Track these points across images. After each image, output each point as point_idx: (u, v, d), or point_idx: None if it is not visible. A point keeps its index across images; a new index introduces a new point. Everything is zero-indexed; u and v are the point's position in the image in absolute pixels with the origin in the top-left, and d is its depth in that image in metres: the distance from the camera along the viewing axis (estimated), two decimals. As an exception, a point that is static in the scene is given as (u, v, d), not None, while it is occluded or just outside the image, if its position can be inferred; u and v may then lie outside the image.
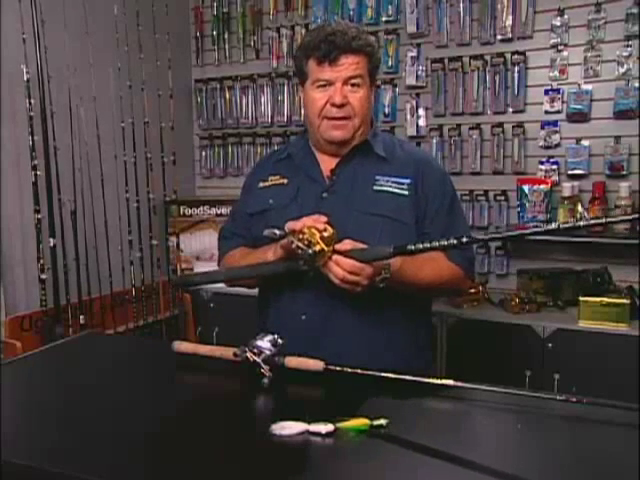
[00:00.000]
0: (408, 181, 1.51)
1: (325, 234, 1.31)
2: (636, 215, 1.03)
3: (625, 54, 2.57)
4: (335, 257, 1.32)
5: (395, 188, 1.50)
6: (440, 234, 1.51)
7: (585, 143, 2.69)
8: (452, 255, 1.52)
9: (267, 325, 1.48)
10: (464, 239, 1.25)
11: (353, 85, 1.45)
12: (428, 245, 1.26)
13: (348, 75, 1.44)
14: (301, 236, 1.31)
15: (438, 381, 1.15)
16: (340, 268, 1.31)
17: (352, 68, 1.44)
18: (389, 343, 1.47)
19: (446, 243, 1.25)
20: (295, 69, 1.58)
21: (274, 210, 1.55)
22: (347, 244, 1.33)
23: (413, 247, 1.28)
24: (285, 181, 1.58)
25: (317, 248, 1.29)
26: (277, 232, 1.36)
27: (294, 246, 1.30)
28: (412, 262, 1.39)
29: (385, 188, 1.50)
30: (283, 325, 1.42)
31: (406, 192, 1.50)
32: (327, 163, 1.56)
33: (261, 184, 1.61)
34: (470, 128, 2.89)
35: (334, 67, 1.44)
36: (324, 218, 1.35)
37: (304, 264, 1.33)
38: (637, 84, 2.55)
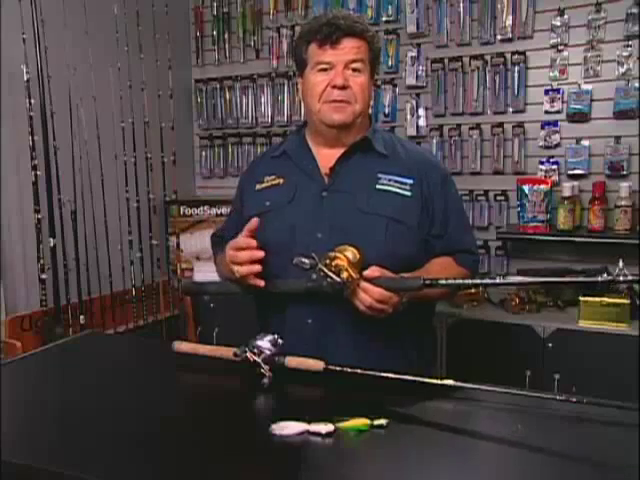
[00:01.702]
0: (411, 182, 1.48)
1: (352, 259, 1.28)
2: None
3: (625, 54, 2.57)
4: (363, 285, 1.29)
5: (398, 188, 1.47)
6: (455, 236, 1.52)
7: (585, 143, 2.69)
8: (461, 259, 1.53)
9: (270, 329, 1.46)
10: (500, 279, 1.27)
11: (355, 70, 1.44)
12: (460, 281, 1.31)
13: (350, 58, 1.43)
14: (328, 261, 1.28)
15: (438, 381, 1.15)
16: (368, 296, 1.29)
17: (354, 51, 1.43)
18: (393, 345, 1.46)
19: (480, 282, 1.27)
20: (294, 58, 1.55)
21: (272, 212, 1.51)
22: (375, 271, 1.31)
23: (445, 281, 1.28)
24: (281, 181, 1.54)
25: (345, 275, 1.27)
26: (307, 261, 1.31)
27: (322, 274, 1.28)
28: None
29: (388, 188, 1.47)
30: (288, 329, 1.40)
31: (409, 193, 1.47)
32: (325, 160, 1.52)
33: (257, 186, 1.57)
34: (470, 128, 2.89)
35: (336, 49, 1.42)
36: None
37: (330, 289, 1.30)
38: (637, 84, 2.55)
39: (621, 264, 1.06)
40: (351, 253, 1.29)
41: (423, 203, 1.49)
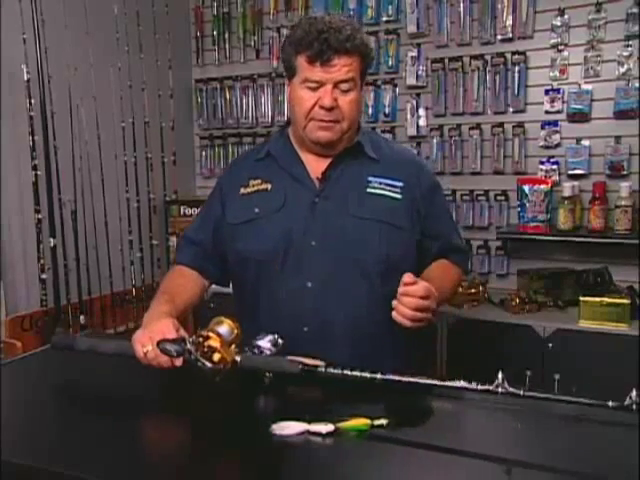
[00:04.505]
0: (401, 184, 1.48)
1: (227, 336, 1.17)
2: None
3: (625, 54, 2.57)
4: (402, 290, 1.25)
5: (389, 191, 1.46)
6: (449, 237, 1.55)
7: (585, 143, 2.68)
8: (456, 258, 1.56)
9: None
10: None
11: (344, 88, 1.39)
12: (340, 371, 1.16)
13: (340, 78, 1.37)
14: (201, 340, 1.14)
15: (438, 381, 1.15)
16: (411, 299, 1.25)
17: (345, 70, 1.37)
18: (390, 349, 1.45)
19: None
20: (283, 62, 1.49)
21: (262, 219, 1.47)
22: (409, 277, 1.25)
23: (323, 370, 1.17)
24: (269, 186, 1.49)
25: (216, 358, 1.13)
26: (172, 349, 1.17)
27: (192, 357, 1.14)
28: (441, 285, 1.38)
29: (379, 191, 1.46)
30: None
31: (399, 196, 1.47)
32: (314, 164, 1.49)
33: (242, 190, 1.51)
34: (470, 128, 2.89)
35: (326, 68, 1.36)
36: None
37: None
38: (637, 84, 2.55)
39: (500, 377, 1.06)
40: (227, 327, 1.19)
41: (413, 205, 1.48)
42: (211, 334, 1.16)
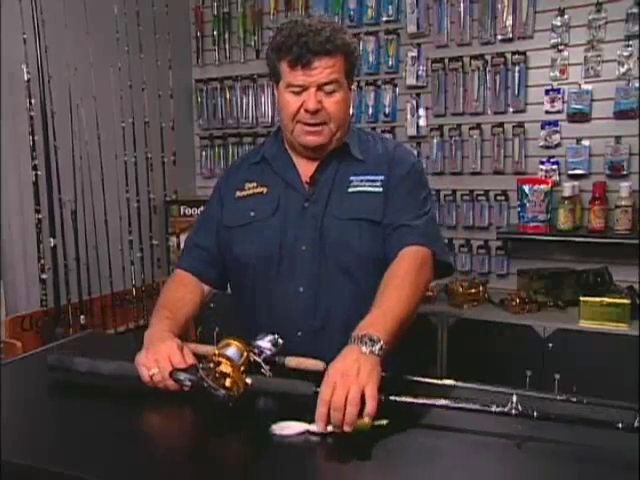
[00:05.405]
0: (381, 177, 1.46)
1: (237, 359, 1.14)
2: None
3: (625, 54, 2.57)
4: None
5: (369, 186, 1.45)
6: (396, 221, 1.42)
7: (585, 143, 2.68)
8: (407, 238, 1.39)
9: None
10: None
11: (328, 90, 1.38)
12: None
13: (323, 80, 1.36)
14: (212, 365, 1.11)
15: (438, 381, 1.15)
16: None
17: (327, 72, 1.36)
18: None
19: None
20: (268, 68, 1.47)
21: (257, 222, 1.47)
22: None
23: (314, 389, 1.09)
24: (264, 190, 1.49)
25: (228, 383, 1.10)
26: (188, 381, 1.15)
27: (205, 385, 1.10)
28: (389, 317, 1.23)
29: (359, 189, 1.45)
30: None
31: (380, 189, 1.45)
32: (305, 167, 1.49)
33: (238, 193, 1.52)
34: (470, 128, 2.89)
35: (307, 71, 1.35)
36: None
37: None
38: (637, 84, 2.55)
39: (514, 399, 1.04)
40: (236, 349, 1.17)
41: (388, 192, 1.45)
42: (222, 359, 1.14)
